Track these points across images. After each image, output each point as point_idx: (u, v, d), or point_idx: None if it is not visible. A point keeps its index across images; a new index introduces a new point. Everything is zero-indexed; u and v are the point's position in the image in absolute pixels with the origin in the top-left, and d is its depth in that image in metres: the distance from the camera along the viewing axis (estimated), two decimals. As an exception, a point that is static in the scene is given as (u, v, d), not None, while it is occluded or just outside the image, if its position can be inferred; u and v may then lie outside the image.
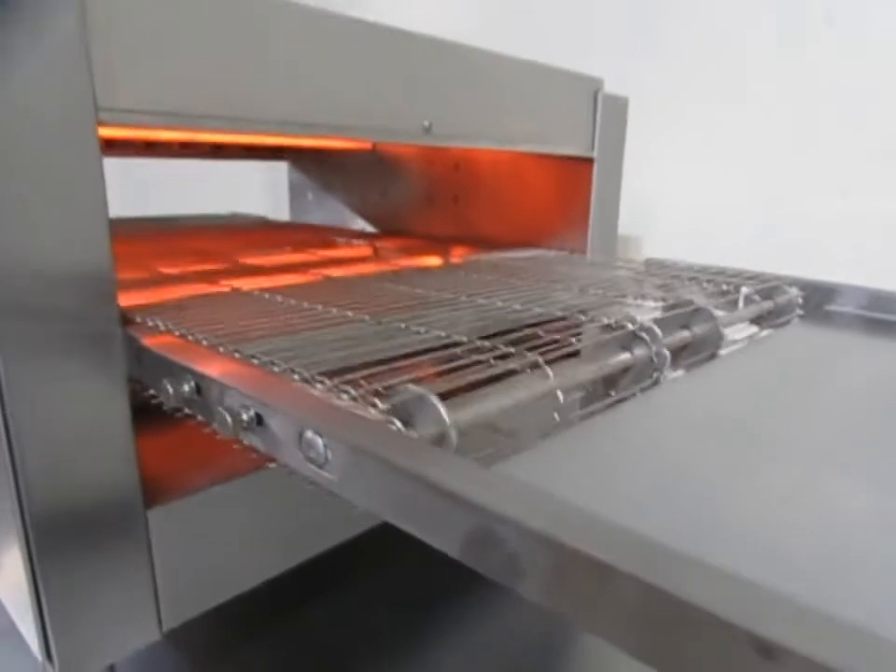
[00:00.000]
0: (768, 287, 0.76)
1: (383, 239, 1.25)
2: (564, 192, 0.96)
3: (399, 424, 0.30)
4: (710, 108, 1.31)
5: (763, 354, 0.55)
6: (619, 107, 0.93)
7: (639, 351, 0.48)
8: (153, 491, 0.53)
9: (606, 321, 0.51)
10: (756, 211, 1.27)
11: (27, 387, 0.43)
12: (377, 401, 0.32)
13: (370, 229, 1.34)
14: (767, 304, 0.71)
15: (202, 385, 0.38)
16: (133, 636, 0.54)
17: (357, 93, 0.60)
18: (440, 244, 1.14)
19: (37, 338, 0.43)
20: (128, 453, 0.50)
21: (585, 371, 0.44)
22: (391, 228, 1.29)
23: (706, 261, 0.90)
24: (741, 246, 1.24)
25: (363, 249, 1.24)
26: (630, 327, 0.49)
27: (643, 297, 0.65)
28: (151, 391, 0.47)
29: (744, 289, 0.80)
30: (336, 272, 0.98)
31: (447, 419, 0.31)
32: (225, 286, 0.76)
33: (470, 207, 1.12)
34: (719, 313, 0.58)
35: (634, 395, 0.45)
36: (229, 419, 0.34)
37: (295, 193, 1.46)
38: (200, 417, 0.40)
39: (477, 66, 0.72)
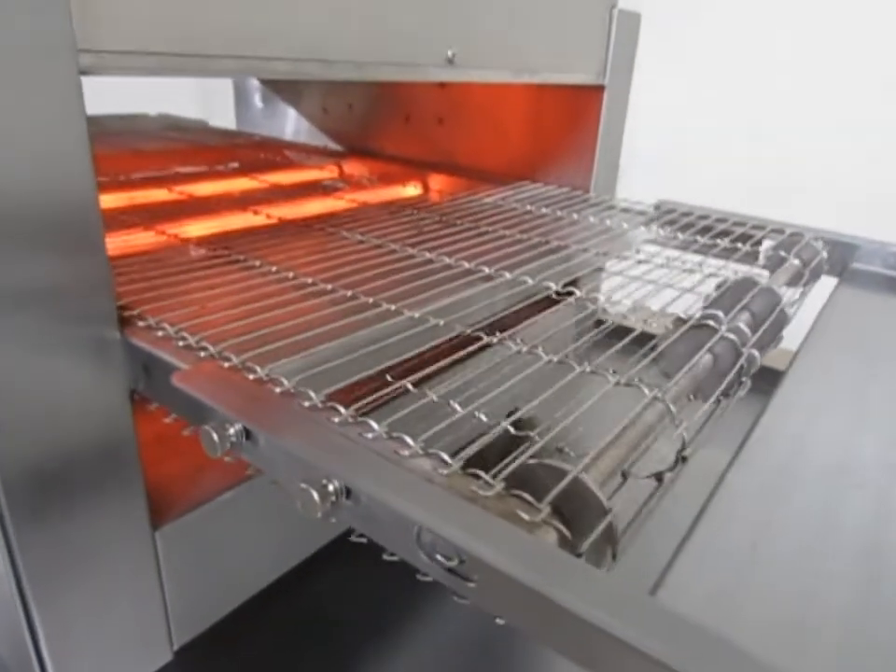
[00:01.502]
0: (790, 240, 0.73)
1: (350, 160, 1.13)
2: (568, 121, 0.87)
3: (560, 529, 0.24)
4: (701, 29, 1.22)
5: (845, 341, 0.51)
6: (632, 26, 0.83)
7: (722, 351, 0.43)
8: (159, 508, 0.46)
9: (681, 315, 0.45)
10: (743, 144, 1.21)
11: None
12: (527, 497, 0.25)
13: (332, 146, 1.20)
14: (795, 263, 0.67)
15: (255, 435, 0.31)
16: (144, 660, 0.48)
17: (369, 22, 0.48)
18: (418, 170, 1.03)
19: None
20: (135, 474, 0.42)
21: (681, 386, 0.39)
22: (358, 146, 1.16)
23: (687, 194, 0.85)
24: (726, 181, 1.19)
25: (327, 172, 1.12)
26: (712, 324, 0.44)
27: (690, 271, 0.60)
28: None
29: (766, 243, 0.77)
30: (309, 206, 0.88)
31: (609, 517, 0.25)
32: (170, 234, 0.65)
33: (457, 132, 1.01)
34: (782, 289, 0.53)
35: (723, 406, 0.41)
36: (315, 496, 0.27)
37: (242, 98, 1.29)
38: (251, 464, 0.32)
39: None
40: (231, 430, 0.31)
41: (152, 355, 0.37)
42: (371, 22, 0.48)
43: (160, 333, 0.39)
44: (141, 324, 0.40)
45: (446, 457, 0.27)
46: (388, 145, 1.11)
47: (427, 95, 1.02)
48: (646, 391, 0.35)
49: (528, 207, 0.79)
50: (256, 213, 0.79)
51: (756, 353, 0.43)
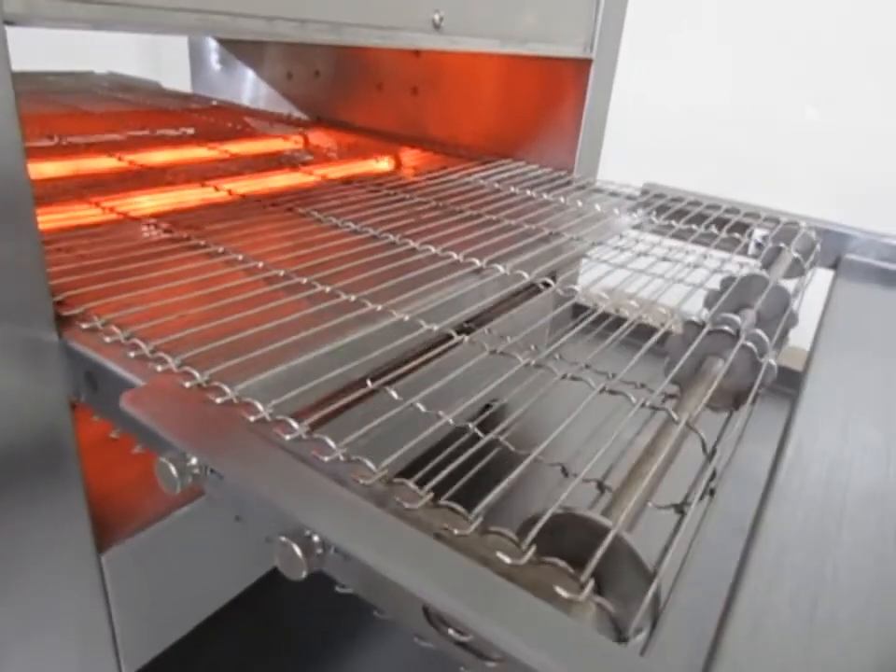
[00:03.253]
0: (784, 230, 0.70)
1: (316, 130, 1.05)
2: (551, 97, 0.82)
3: (604, 606, 0.20)
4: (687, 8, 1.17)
5: (856, 340, 0.48)
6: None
7: (738, 360, 0.40)
8: (104, 529, 0.40)
9: (694, 319, 0.42)
10: (726, 126, 1.18)
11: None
12: (562, 565, 0.21)
13: (297, 114, 1.12)
14: (794, 255, 0.64)
15: (223, 476, 0.26)
16: (90, 693, 0.43)
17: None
18: (390, 143, 0.97)
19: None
20: (76, 492, 0.37)
21: (699, 399, 0.35)
22: (326, 115, 1.09)
23: (668, 176, 0.82)
24: (707, 163, 1.16)
25: (292, 143, 1.04)
26: (728, 330, 0.40)
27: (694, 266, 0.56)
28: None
29: (757, 232, 0.73)
30: (273, 181, 0.81)
31: (656, 584, 0.21)
32: (118, 210, 0.58)
33: (432, 103, 0.95)
34: (787, 284, 0.50)
35: (742, 418, 0.37)
36: (298, 551, 0.22)
37: (197, 58, 1.19)
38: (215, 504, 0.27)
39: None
40: (193, 461, 0.26)
41: (98, 364, 0.31)
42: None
43: (107, 338, 0.33)
44: (84, 325, 0.34)
45: (461, 510, 0.23)
46: (358, 115, 1.04)
47: (402, 63, 0.95)
48: (674, 415, 0.31)
49: (512, 189, 0.74)
50: (216, 188, 0.72)
51: (774, 363, 0.39)
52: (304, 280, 0.43)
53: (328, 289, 0.42)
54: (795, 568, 0.25)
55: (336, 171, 0.86)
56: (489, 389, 0.36)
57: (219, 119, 1.10)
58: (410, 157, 0.96)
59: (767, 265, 0.63)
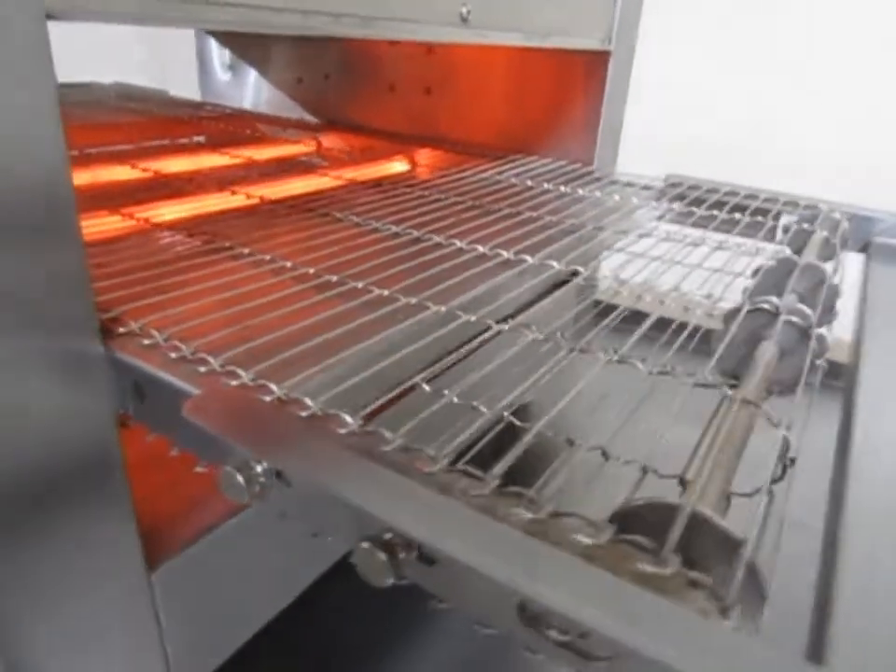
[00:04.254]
0: (809, 214, 0.69)
1: (329, 134, 1.05)
2: (569, 91, 0.82)
3: (700, 581, 0.19)
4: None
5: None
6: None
7: (786, 337, 0.39)
8: (154, 546, 0.39)
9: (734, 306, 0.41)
10: (743, 117, 1.17)
11: None
12: (641, 541, 0.20)
13: (308, 118, 1.12)
14: (823, 235, 0.63)
15: (288, 477, 0.25)
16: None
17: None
18: (403, 144, 0.96)
19: None
20: (125, 510, 0.36)
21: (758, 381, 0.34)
22: (338, 119, 1.08)
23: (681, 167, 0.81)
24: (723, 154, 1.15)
25: (305, 147, 1.04)
26: (768, 308, 0.40)
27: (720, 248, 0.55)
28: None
29: (784, 217, 0.73)
30: (291, 185, 0.80)
31: (749, 550, 0.20)
32: (140, 217, 0.58)
33: (446, 102, 0.94)
34: (827, 267, 0.49)
35: (806, 396, 0.36)
36: (383, 557, 0.21)
37: (205, 66, 1.19)
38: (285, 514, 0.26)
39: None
40: (259, 469, 0.25)
41: (147, 374, 0.31)
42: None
43: (146, 341, 0.32)
44: (122, 329, 0.33)
45: (529, 493, 0.22)
46: (370, 117, 1.04)
47: (414, 63, 0.95)
48: (727, 390, 0.30)
49: (545, 185, 0.73)
50: (234, 192, 0.72)
51: (825, 332, 0.38)
52: (334, 277, 0.43)
53: (360, 285, 0.42)
54: (889, 544, 0.24)
55: (352, 173, 0.85)
56: (534, 378, 0.35)
57: (231, 126, 1.10)
58: (424, 157, 0.95)
59: (798, 250, 0.62)
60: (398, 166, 0.95)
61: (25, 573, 0.33)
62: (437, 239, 0.52)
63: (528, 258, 0.49)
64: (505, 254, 0.50)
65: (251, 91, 1.15)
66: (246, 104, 1.16)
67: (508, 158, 0.85)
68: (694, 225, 0.70)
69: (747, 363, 0.39)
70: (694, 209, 0.70)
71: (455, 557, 0.20)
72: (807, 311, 0.39)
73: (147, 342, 0.33)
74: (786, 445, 0.29)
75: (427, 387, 0.31)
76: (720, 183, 0.77)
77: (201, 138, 1.04)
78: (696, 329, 0.43)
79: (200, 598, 0.42)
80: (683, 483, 0.25)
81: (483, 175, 0.77)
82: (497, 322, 0.39)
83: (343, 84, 1.04)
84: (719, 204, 0.71)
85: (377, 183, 0.77)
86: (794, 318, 0.39)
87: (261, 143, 1.03)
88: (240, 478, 0.24)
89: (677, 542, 0.21)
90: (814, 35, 1.09)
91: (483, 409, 0.30)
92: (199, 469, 0.29)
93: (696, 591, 0.20)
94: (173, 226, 0.57)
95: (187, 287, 0.39)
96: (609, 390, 0.38)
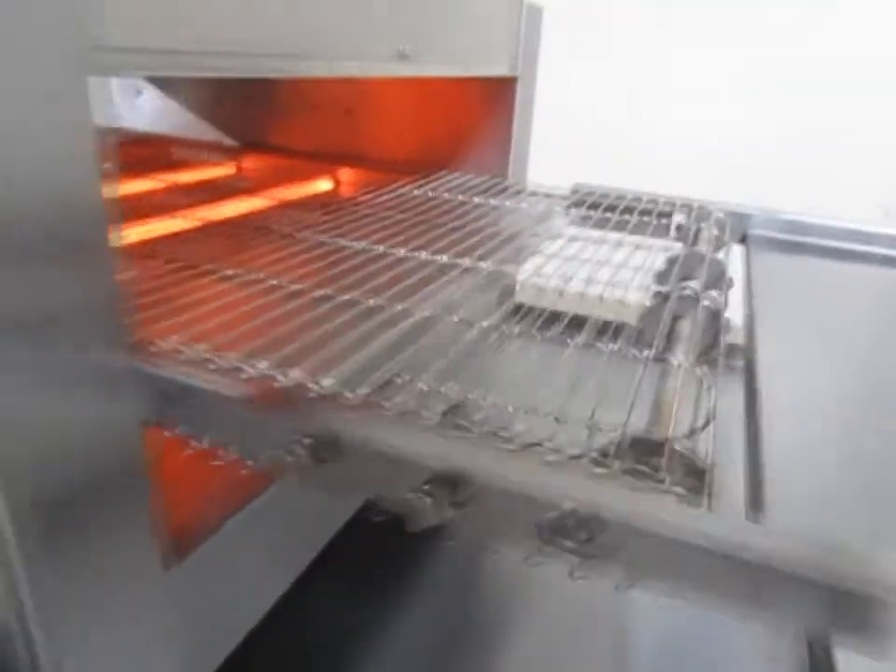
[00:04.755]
0: (699, 213, 0.80)
1: (248, 156, 1.07)
2: (482, 113, 0.90)
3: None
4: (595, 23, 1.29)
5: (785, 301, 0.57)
6: (537, 18, 0.87)
7: (702, 319, 0.48)
8: (168, 546, 0.42)
9: (661, 290, 0.50)
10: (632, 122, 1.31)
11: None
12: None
13: (227, 141, 1.14)
14: (714, 233, 0.74)
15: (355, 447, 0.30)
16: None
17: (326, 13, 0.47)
18: (324, 164, 1.01)
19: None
20: (145, 511, 0.39)
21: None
22: (256, 140, 1.11)
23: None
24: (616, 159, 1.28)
25: (226, 170, 1.06)
26: (689, 293, 0.49)
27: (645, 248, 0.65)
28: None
29: (676, 217, 0.84)
30: (228, 208, 0.83)
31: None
32: None
33: (366, 123, 1.00)
34: (719, 256, 0.60)
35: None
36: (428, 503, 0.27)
37: (119, 89, 1.17)
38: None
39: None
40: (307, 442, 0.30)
41: (179, 382, 0.35)
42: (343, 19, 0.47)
43: (181, 356, 0.36)
44: (153, 347, 0.37)
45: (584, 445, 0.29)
46: (289, 138, 1.08)
47: (334, 86, 1.00)
48: (674, 362, 0.38)
49: (460, 197, 0.80)
50: (173, 216, 0.74)
51: (731, 319, 0.48)
52: (326, 291, 0.48)
53: (371, 302, 0.47)
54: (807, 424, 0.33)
55: (284, 193, 0.89)
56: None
57: (146, 151, 1.09)
58: (347, 175, 1.01)
59: (692, 244, 0.73)
60: (323, 185, 1.00)
61: (63, 572, 0.35)
62: (402, 252, 0.58)
63: (483, 263, 0.56)
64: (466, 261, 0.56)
65: (167, 113, 1.15)
66: (162, 127, 1.16)
67: (431, 174, 0.92)
68: (598, 227, 0.80)
69: (671, 335, 0.48)
70: (599, 213, 0.80)
71: (489, 484, 0.26)
72: (720, 298, 0.49)
73: (183, 356, 0.36)
74: (712, 401, 0.37)
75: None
76: (619, 189, 0.87)
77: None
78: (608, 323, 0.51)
79: (214, 592, 0.46)
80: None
81: (418, 192, 0.83)
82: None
83: (262, 106, 1.07)
84: (619, 209, 0.82)
85: (316, 202, 0.81)
86: (709, 303, 0.48)
87: (182, 167, 1.04)
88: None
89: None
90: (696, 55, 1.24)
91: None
92: (250, 467, 0.33)
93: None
94: (130, 250, 0.59)
95: (199, 308, 0.43)
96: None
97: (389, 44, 0.55)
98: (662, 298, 0.50)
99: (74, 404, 0.33)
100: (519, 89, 0.87)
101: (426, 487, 0.28)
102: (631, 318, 0.54)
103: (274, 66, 0.41)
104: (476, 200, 0.79)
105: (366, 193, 0.80)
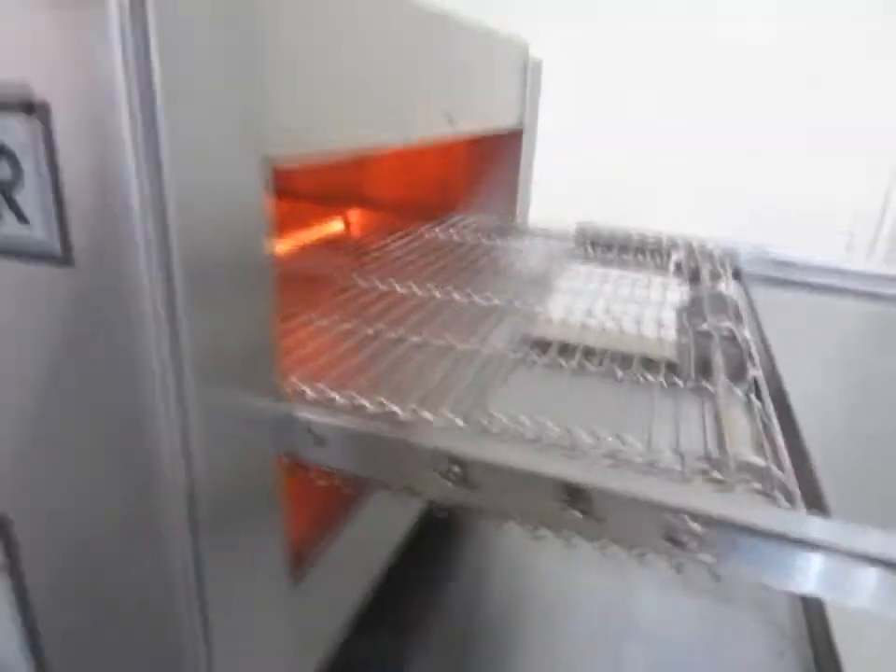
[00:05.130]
0: (699, 250, 0.89)
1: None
2: (491, 159, 0.97)
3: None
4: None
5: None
6: (538, 71, 0.95)
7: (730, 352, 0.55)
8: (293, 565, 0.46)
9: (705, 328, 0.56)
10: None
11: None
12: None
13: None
14: (719, 270, 0.82)
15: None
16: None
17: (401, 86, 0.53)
18: (333, 206, 1.06)
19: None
20: (279, 530, 0.43)
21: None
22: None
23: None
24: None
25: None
26: (707, 329, 0.56)
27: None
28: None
29: (674, 254, 0.92)
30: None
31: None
32: None
33: (379, 168, 1.06)
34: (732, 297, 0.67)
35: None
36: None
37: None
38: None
39: (453, 36, 0.68)
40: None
41: (323, 422, 0.39)
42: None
43: (316, 396, 0.41)
44: (302, 390, 0.42)
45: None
46: (297, 182, 1.12)
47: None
48: (714, 390, 0.45)
49: (482, 240, 0.87)
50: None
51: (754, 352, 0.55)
52: (418, 337, 0.53)
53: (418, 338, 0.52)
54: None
55: (302, 235, 0.94)
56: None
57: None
58: (357, 217, 1.06)
59: (693, 281, 0.82)
60: (335, 226, 1.05)
61: (220, 578, 0.39)
62: (456, 296, 0.63)
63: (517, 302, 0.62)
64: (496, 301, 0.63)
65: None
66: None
67: (446, 217, 0.98)
68: (603, 264, 0.87)
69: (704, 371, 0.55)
70: (606, 252, 0.88)
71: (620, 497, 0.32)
72: (738, 332, 0.56)
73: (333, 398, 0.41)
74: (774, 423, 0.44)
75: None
76: (618, 228, 0.95)
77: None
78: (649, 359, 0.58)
79: (331, 605, 0.50)
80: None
81: (442, 235, 0.88)
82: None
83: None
84: (623, 247, 0.89)
85: (357, 247, 0.86)
86: (743, 345, 0.55)
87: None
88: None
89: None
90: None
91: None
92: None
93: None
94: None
95: (302, 350, 0.48)
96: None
97: (440, 110, 0.61)
98: (694, 333, 0.57)
99: (230, 436, 0.37)
100: (524, 138, 0.94)
101: (564, 500, 0.34)
102: (653, 351, 0.61)
103: (376, 142, 0.47)
104: (498, 242, 0.86)
105: (393, 237, 0.85)
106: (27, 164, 0.29)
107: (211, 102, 0.30)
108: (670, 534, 0.33)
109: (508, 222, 0.95)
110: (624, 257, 0.88)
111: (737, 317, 0.63)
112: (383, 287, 0.65)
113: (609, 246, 0.90)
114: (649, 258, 0.88)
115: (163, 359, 0.31)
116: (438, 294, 0.64)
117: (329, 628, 0.52)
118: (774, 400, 0.50)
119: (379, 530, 0.59)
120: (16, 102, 0.28)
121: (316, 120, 0.40)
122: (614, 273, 0.84)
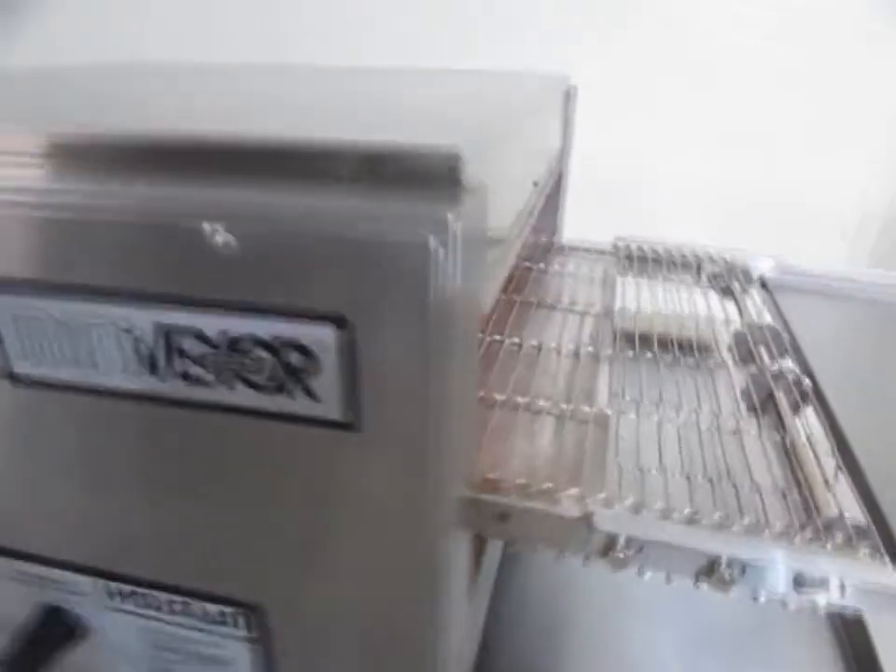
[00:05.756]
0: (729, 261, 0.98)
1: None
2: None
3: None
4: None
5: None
6: (576, 96, 1.01)
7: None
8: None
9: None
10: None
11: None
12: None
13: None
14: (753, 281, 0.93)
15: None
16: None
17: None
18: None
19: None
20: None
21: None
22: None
23: None
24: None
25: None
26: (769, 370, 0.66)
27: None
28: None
29: (707, 267, 1.01)
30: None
31: None
32: None
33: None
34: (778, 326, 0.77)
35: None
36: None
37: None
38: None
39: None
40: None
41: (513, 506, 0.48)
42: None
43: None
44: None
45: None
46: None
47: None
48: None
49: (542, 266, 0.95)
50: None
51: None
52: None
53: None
54: None
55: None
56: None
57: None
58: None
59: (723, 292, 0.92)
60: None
61: None
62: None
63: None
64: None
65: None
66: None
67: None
68: (646, 276, 0.96)
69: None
70: (641, 264, 0.97)
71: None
72: (799, 372, 0.66)
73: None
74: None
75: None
76: (652, 241, 1.03)
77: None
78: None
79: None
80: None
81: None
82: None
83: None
84: (660, 260, 0.98)
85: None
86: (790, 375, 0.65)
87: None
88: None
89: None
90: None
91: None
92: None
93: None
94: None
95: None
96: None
97: (532, 183, 0.68)
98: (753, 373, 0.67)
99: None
100: (563, 158, 1.00)
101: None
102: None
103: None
104: (556, 267, 0.94)
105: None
106: (325, 361, 0.36)
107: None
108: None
109: (556, 241, 1.03)
110: (661, 272, 0.97)
111: (789, 351, 0.73)
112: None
113: (649, 259, 0.98)
114: (685, 270, 0.97)
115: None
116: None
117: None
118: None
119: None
120: (327, 315, 0.35)
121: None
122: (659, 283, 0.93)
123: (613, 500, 0.47)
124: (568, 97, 0.96)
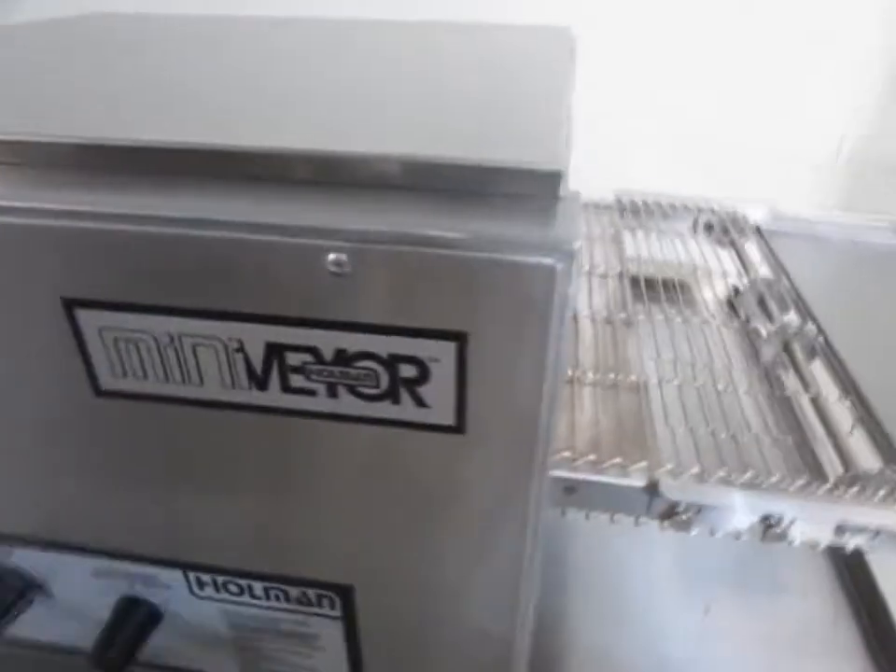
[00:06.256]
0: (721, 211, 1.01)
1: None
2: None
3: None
4: None
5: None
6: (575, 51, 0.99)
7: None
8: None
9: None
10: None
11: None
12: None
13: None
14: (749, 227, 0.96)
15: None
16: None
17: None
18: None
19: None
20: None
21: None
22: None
23: None
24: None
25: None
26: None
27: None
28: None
29: (702, 216, 1.04)
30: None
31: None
32: None
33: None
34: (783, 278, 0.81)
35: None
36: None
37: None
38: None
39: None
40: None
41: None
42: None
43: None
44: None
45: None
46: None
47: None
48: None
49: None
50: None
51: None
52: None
53: None
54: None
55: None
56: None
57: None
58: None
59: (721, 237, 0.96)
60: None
61: None
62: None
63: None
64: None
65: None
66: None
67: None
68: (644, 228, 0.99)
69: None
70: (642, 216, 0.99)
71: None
72: (810, 325, 0.70)
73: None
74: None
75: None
76: (652, 193, 1.05)
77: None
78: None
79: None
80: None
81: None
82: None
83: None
84: (660, 210, 1.01)
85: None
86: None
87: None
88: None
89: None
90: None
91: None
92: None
93: None
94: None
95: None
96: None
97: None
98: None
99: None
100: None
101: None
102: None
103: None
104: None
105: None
106: (438, 372, 0.38)
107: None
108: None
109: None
110: (660, 224, 0.99)
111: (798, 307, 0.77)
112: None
113: (639, 212, 1.01)
114: (684, 221, 1.00)
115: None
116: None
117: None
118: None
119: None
120: (447, 333, 0.36)
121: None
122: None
123: (677, 470, 0.51)
124: (572, 55, 0.94)
